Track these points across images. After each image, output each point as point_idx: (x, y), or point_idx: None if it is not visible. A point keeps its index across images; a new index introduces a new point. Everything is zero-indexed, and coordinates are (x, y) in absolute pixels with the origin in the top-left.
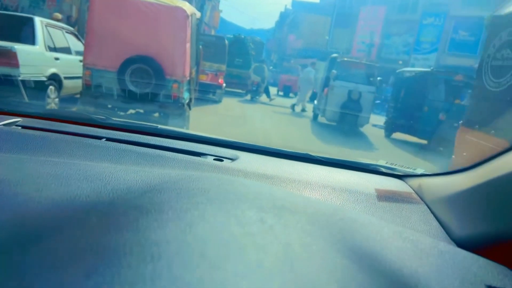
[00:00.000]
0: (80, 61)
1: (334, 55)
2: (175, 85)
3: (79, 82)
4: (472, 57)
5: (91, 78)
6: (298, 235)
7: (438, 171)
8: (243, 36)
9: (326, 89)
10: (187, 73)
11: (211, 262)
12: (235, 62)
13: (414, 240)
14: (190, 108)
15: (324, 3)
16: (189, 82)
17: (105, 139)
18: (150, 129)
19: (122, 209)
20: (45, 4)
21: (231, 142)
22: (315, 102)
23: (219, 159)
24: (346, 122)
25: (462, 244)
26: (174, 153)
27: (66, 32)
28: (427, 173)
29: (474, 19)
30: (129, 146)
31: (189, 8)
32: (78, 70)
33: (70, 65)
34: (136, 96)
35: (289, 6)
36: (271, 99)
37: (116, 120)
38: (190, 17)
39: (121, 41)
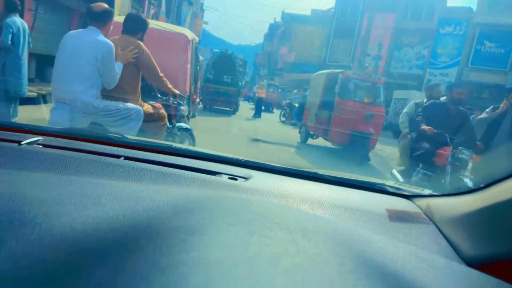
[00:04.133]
0: None
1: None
2: (177, 99)
3: None
4: (501, 73)
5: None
6: (328, 255)
7: (445, 192)
8: (230, 52)
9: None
10: (188, 89)
11: (261, 280)
12: (223, 79)
13: (429, 260)
14: (189, 120)
15: (317, 15)
16: (189, 98)
17: (123, 157)
18: (165, 147)
19: (163, 230)
20: None
21: (243, 161)
22: (306, 121)
23: (234, 178)
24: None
25: (471, 263)
26: (189, 171)
27: None
28: (435, 193)
29: (504, 27)
30: (147, 165)
31: (190, 34)
32: None
33: None
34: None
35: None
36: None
37: (131, 138)
38: (191, 42)
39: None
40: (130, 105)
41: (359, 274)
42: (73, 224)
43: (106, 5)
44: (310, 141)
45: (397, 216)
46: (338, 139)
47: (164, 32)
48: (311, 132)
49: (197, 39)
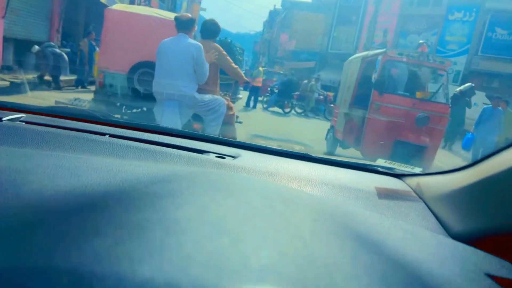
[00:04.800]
0: None
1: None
2: None
3: None
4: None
5: (104, 80)
6: (306, 221)
7: (435, 171)
8: (229, 40)
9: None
10: None
11: (231, 236)
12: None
13: (414, 232)
14: None
15: (318, 1)
16: None
17: (108, 135)
18: (153, 127)
19: (136, 195)
20: None
21: (232, 141)
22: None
23: (221, 156)
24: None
25: (459, 238)
26: (176, 149)
27: None
28: (425, 172)
29: None
30: (133, 143)
31: None
32: None
33: None
34: (142, 95)
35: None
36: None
37: (118, 118)
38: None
39: (131, 49)
40: (216, 96)
41: (340, 239)
42: (43, 190)
43: (189, 15)
44: (340, 150)
45: (386, 194)
46: (371, 152)
47: (161, 20)
48: (340, 139)
49: (196, 27)
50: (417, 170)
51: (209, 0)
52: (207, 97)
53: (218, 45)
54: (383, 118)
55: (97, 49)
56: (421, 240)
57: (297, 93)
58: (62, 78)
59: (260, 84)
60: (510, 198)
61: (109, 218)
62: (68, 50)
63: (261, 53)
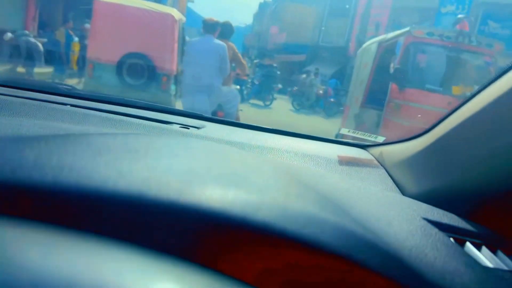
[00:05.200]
0: None
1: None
2: (164, 78)
3: None
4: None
5: (93, 71)
6: (267, 171)
7: (397, 139)
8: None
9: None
10: (175, 68)
11: (182, 157)
12: None
13: (361, 186)
14: (176, 100)
15: None
16: (175, 77)
17: (69, 105)
18: (117, 99)
19: (80, 139)
20: None
21: (197, 114)
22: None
23: (185, 127)
24: None
25: (414, 199)
26: (139, 119)
27: None
28: (389, 141)
29: (509, 7)
30: (94, 112)
31: (177, 14)
32: None
33: None
34: (131, 86)
35: None
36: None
37: (83, 90)
38: (177, 22)
39: (120, 40)
40: (231, 88)
41: (295, 184)
42: None
43: (215, 19)
44: None
45: (348, 162)
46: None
47: (150, 12)
48: None
49: (184, 19)
50: (381, 139)
51: None
52: (226, 88)
53: (233, 45)
54: (405, 123)
55: (76, 39)
56: (368, 193)
57: (295, 88)
58: (37, 70)
59: (246, 78)
60: (455, 158)
61: (30, 146)
62: (45, 40)
63: (251, 46)
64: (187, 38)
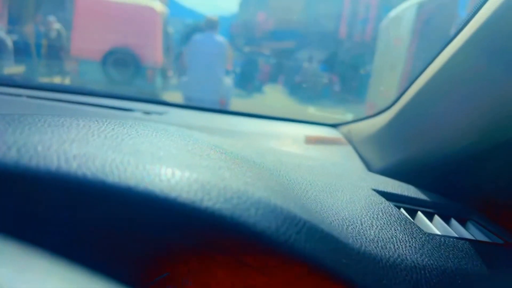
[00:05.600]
0: None
1: None
2: (150, 72)
3: None
4: None
5: (78, 67)
6: (233, 150)
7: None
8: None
9: None
10: (160, 62)
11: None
12: None
13: (335, 165)
14: (162, 92)
15: None
16: (162, 70)
17: (25, 96)
18: (76, 88)
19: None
20: None
21: (160, 100)
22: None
23: (148, 113)
24: None
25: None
26: (100, 108)
27: None
28: (356, 119)
29: None
30: (52, 103)
31: (160, 7)
32: None
33: None
34: (117, 81)
35: None
36: None
37: (40, 81)
38: (160, 15)
39: (103, 36)
40: (228, 78)
41: (259, 164)
42: None
43: (216, 18)
44: None
45: (316, 141)
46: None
47: (132, 6)
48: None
49: (166, 11)
50: (349, 117)
51: None
52: (226, 79)
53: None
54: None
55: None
56: (330, 168)
57: (298, 78)
58: (5, 70)
59: (229, 67)
60: (413, 131)
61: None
62: (16, 37)
63: (237, 35)
64: (170, 29)
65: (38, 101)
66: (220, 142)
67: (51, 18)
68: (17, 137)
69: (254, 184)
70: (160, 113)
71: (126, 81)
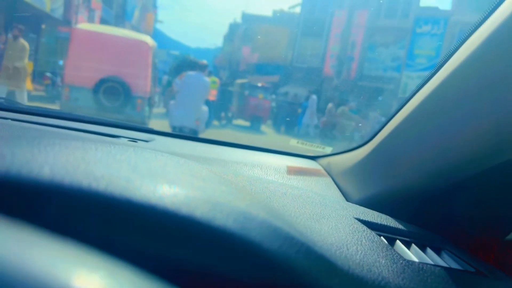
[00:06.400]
0: None
1: None
2: (139, 101)
3: None
4: None
5: (70, 94)
6: (213, 179)
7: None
8: (192, 58)
9: None
10: (149, 91)
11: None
12: None
13: (300, 190)
14: (149, 120)
15: (279, 15)
16: (149, 99)
17: (10, 119)
18: (63, 114)
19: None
20: None
21: (145, 127)
22: None
23: (134, 140)
24: None
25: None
26: (86, 133)
27: None
28: (336, 152)
29: None
30: (38, 127)
31: (150, 41)
32: None
33: None
34: (107, 108)
35: (239, 20)
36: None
37: (24, 104)
38: (151, 48)
39: (96, 65)
40: (205, 107)
41: (228, 184)
42: None
43: (205, 62)
44: None
45: (296, 172)
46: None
47: (126, 39)
48: None
49: (156, 45)
50: (328, 150)
51: (167, 11)
52: (203, 107)
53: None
54: None
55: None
56: (312, 198)
57: (323, 119)
58: None
59: (213, 98)
60: (391, 165)
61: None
62: None
63: (222, 67)
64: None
65: (24, 124)
66: (214, 170)
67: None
68: (46, 156)
69: (256, 207)
70: (146, 141)
71: (115, 109)
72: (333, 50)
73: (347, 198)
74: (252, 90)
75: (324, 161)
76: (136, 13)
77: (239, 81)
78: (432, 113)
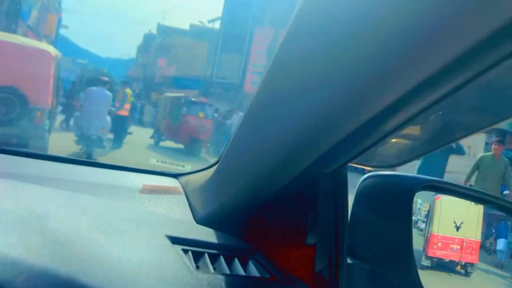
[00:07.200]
0: None
1: None
2: (38, 113)
3: None
4: None
5: None
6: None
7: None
8: (106, 71)
9: None
10: (50, 103)
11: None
12: None
13: (164, 217)
14: (49, 133)
15: (196, 29)
16: (50, 111)
17: None
18: None
19: None
20: None
21: None
22: None
23: None
24: None
25: (202, 222)
26: None
27: None
28: (194, 170)
29: None
30: None
31: (54, 51)
32: None
33: None
34: (1, 120)
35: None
36: None
37: None
38: (54, 58)
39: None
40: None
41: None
42: None
43: (107, 79)
44: None
45: (152, 190)
46: None
47: (27, 48)
48: None
49: (60, 54)
50: (187, 168)
51: (73, 16)
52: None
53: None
54: None
55: None
56: (166, 223)
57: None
58: None
59: (126, 113)
60: (224, 183)
61: None
62: None
63: (135, 79)
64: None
65: None
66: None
67: None
68: None
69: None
70: None
71: (9, 121)
72: (254, 67)
73: (195, 215)
74: (188, 106)
75: (184, 179)
76: (34, 13)
77: (169, 94)
78: (252, 127)
